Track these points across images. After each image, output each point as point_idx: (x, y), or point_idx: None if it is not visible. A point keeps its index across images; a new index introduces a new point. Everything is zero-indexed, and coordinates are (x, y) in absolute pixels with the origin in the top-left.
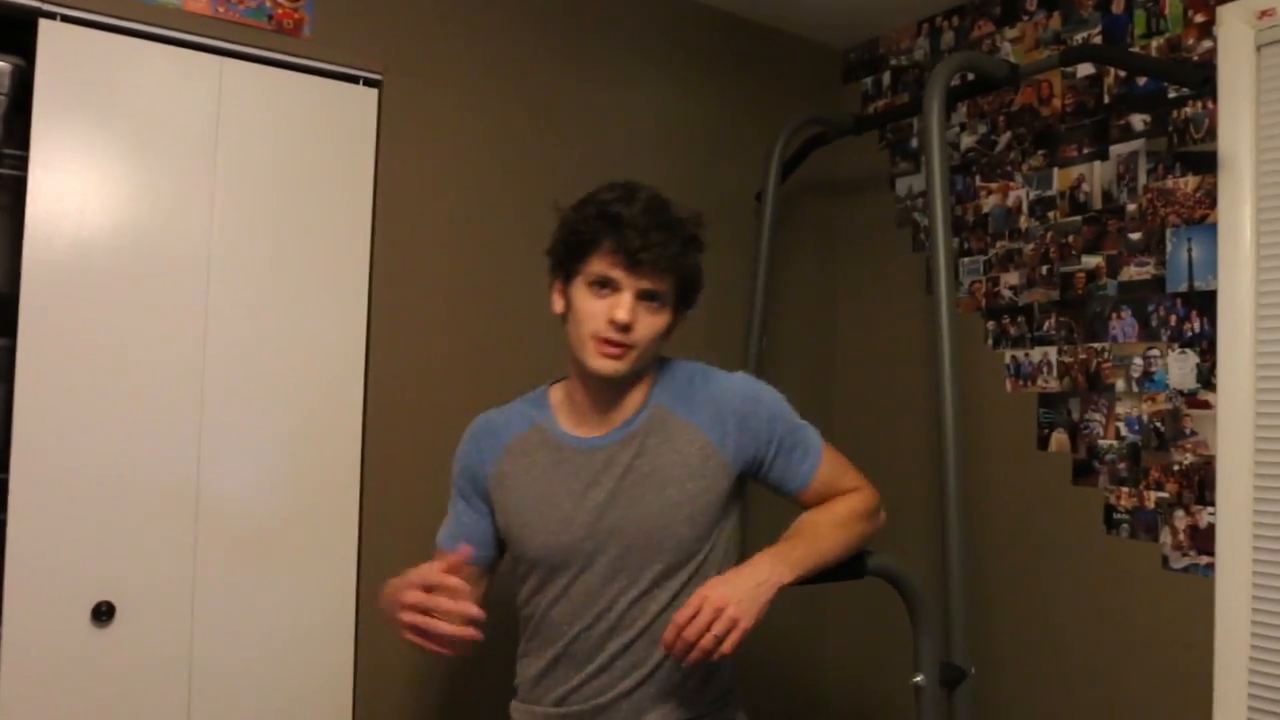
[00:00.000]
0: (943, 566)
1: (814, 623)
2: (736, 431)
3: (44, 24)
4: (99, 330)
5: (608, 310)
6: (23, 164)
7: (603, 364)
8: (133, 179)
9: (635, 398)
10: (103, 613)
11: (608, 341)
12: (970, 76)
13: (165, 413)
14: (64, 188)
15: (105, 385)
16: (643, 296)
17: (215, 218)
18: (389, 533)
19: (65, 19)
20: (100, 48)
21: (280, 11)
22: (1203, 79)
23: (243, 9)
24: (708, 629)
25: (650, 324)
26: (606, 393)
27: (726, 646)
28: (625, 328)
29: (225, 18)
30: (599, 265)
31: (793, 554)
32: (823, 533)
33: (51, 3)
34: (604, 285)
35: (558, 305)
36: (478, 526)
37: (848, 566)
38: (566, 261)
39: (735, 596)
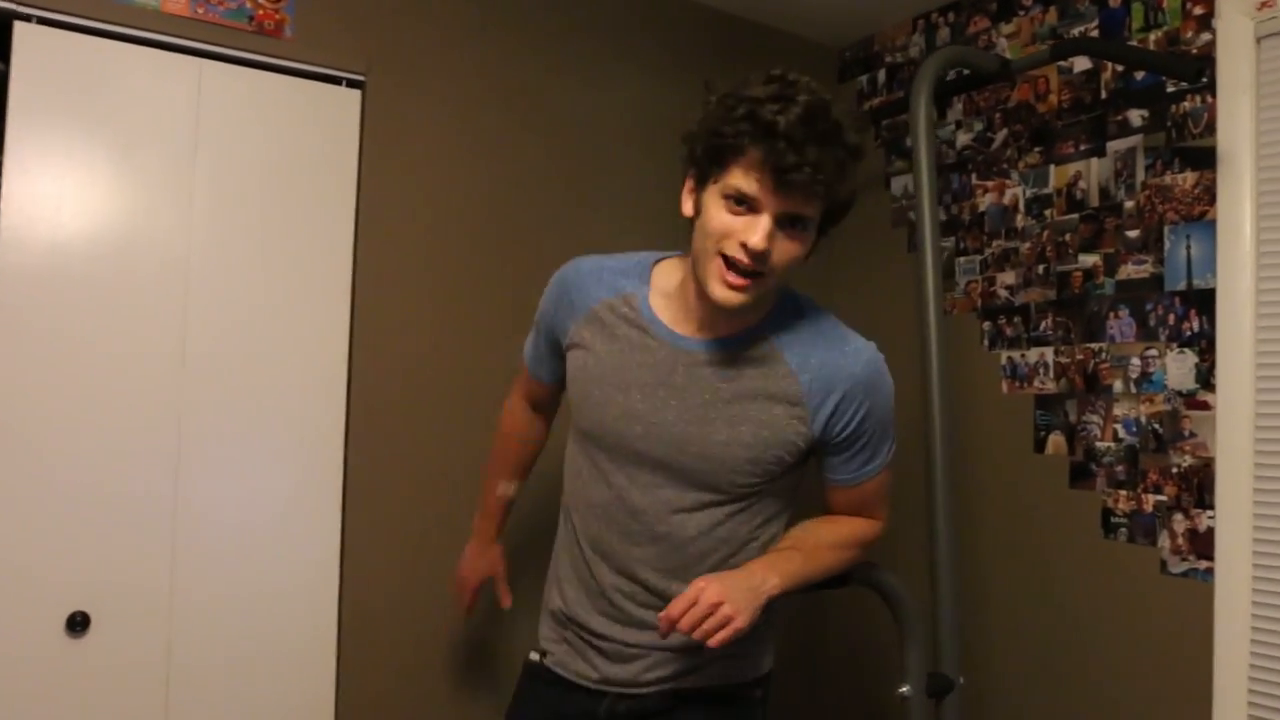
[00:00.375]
0: (931, 573)
1: (813, 630)
2: (833, 407)
3: (19, 26)
4: (74, 335)
5: (742, 231)
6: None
7: (724, 294)
8: (110, 182)
9: (749, 319)
10: (77, 623)
11: (735, 268)
12: (964, 72)
13: (142, 419)
14: (39, 191)
15: (81, 391)
16: (784, 222)
17: (195, 221)
18: (372, 543)
19: (41, 21)
20: (77, 50)
21: (261, 12)
22: (1196, 71)
23: (222, 10)
24: (702, 621)
25: (788, 250)
26: (712, 310)
27: (715, 642)
28: (760, 256)
29: (205, 19)
30: (739, 179)
31: (788, 566)
32: (821, 551)
33: (27, 4)
34: (741, 202)
35: (686, 208)
36: (551, 360)
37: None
38: (703, 163)
39: (733, 595)
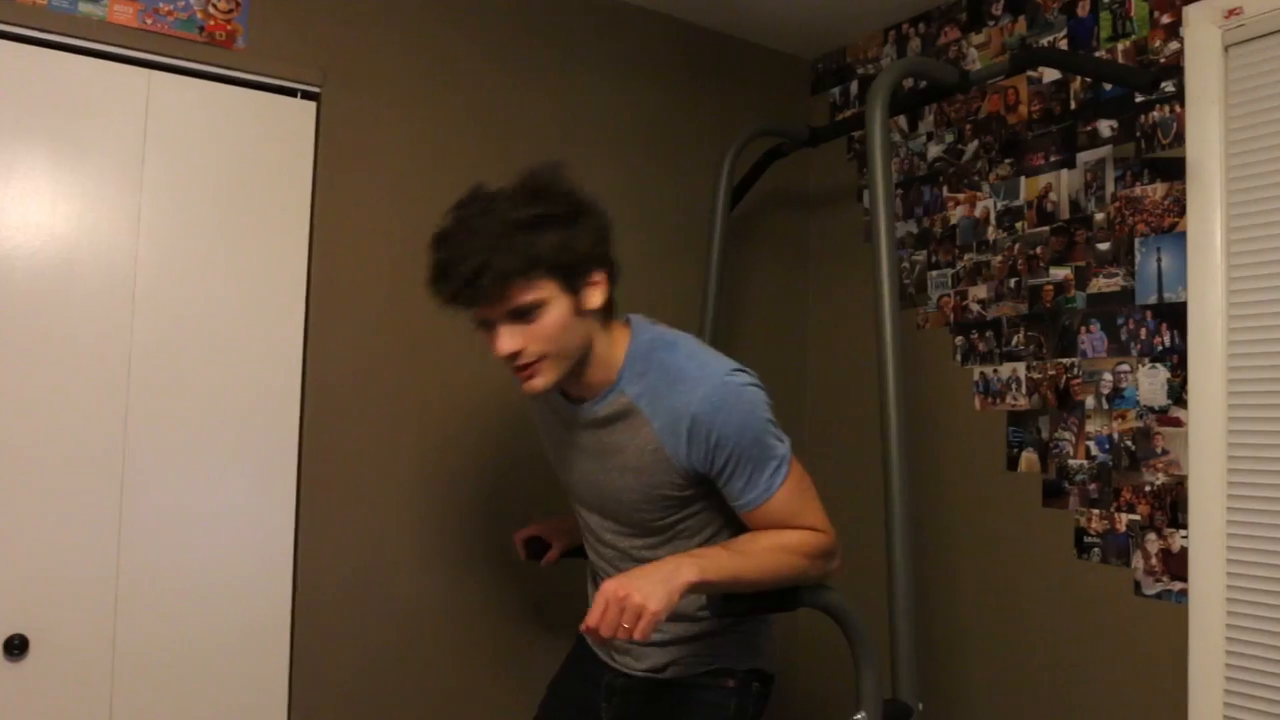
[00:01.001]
0: (888, 594)
1: (784, 656)
2: (686, 444)
3: None
4: (15, 351)
5: (494, 347)
6: None
7: (527, 387)
8: (55, 195)
9: (599, 378)
10: (15, 647)
11: (517, 370)
12: (921, 84)
13: (86, 438)
14: None
15: (21, 409)
16: (515, 319)
17: (142, 234)
18: (323, 568)
19: None
20: (20, 60)
21: (212, 23)
22: (1152, 82)
23: (172, 20)
24: (619, 621)
25: (538, 333)
26: (570, 383)
27: (639, 634)
28: (513, 356)
29: (153, 29)
30: (469, 315)
31: (709, 561)
32: (755, 551)
33: None
34: (482, 326)
35: None
36: None
37: (780, 598)
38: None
39: (637, 586)
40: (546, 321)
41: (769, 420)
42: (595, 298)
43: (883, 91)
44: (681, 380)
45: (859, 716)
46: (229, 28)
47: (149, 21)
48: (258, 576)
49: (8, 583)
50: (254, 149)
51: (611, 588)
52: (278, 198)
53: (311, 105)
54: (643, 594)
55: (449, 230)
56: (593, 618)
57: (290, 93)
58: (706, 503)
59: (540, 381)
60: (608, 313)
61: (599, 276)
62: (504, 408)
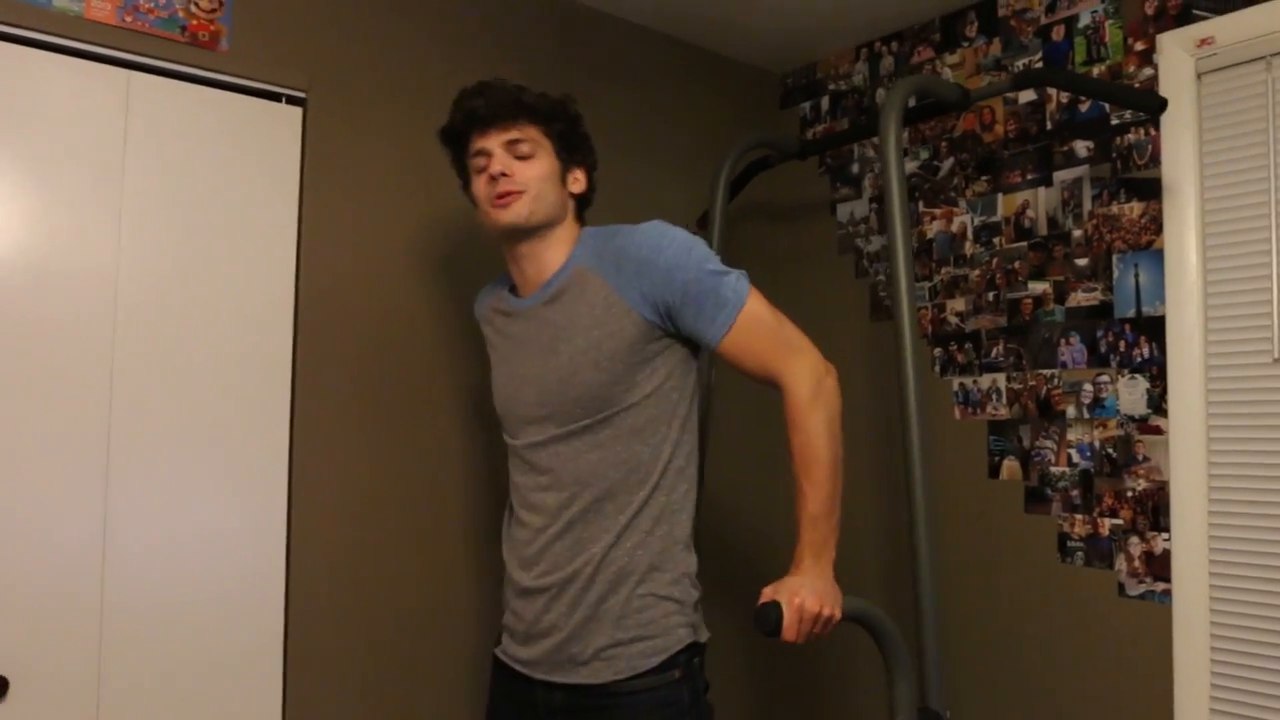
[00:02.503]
0: (915, 606)
1: (810, 671)
2: (636, 279)
3: None
4: None
5: (487, 171)
6: None
7: (499, 215)
8: (30, 200)
9: (554, 259)
10: None
11: (498, 197)
12: (922, 100)
13: (67, 461)
14: None
15: None
16: (510, 149)
17: (123, 241)
18: (316, 587)
19: None
20: None
21: (195, 23)
22: (1161, 104)
23: (153, 19)
24: (811, 631)
25: (527, 169)
26: (525, 258)
27: (825, 634)
28: (502, 175)
29: (133, 28)
30: (471, 146)
31: (820, 539)
32: (807, 499)
33: None
34: (479, 156)
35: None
36: None
37: None
38: (459, 167)
39: (817, 596)
40: (535, 165)
41: (711, 253)
42: (575, 184)
43: (897, 106)
44: (619, 233)
45: None
46: (212, 28)
47: (129, 19)
48: (248, 600)
49: None
50: (239, 154)
51: (807, 607)
52: (264, 204)
53: (297, 111)
54: (829, 604)
55: (482, 82)
56: (790, 634)
57: (275, 97)
58: (655, 387)
59: (510, 213)
60: (578, 209)
61: (581, 174)
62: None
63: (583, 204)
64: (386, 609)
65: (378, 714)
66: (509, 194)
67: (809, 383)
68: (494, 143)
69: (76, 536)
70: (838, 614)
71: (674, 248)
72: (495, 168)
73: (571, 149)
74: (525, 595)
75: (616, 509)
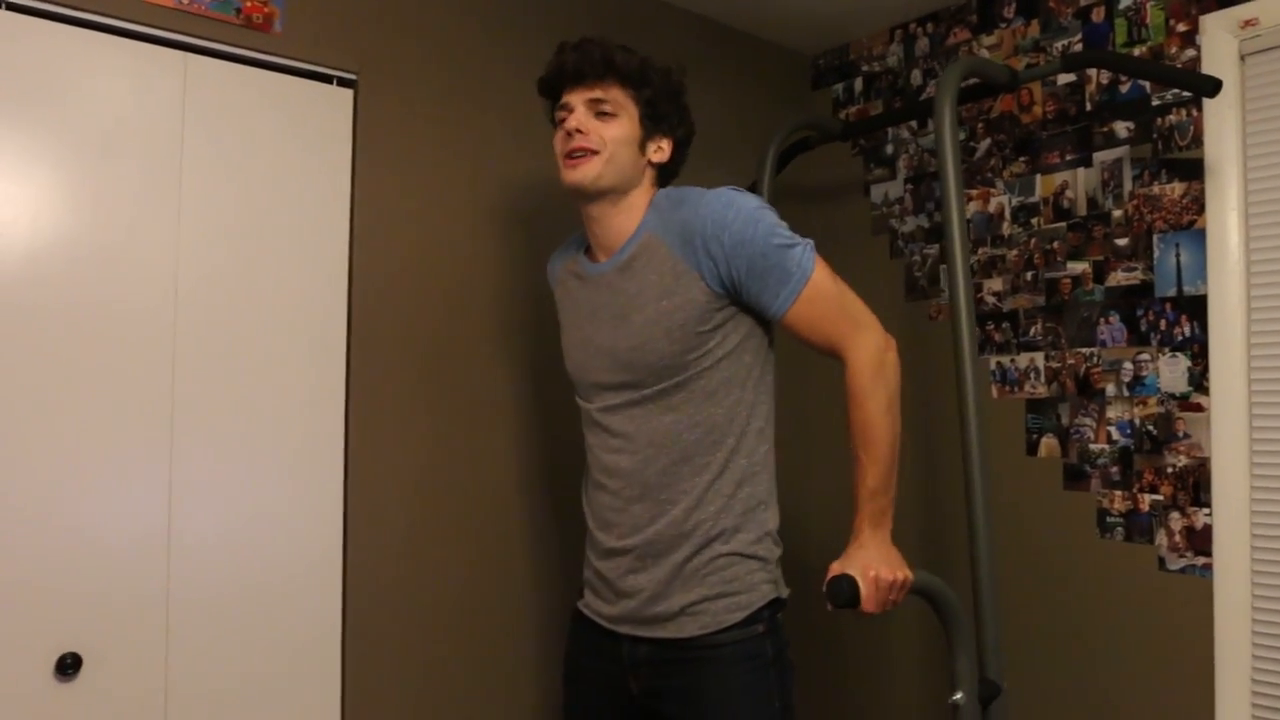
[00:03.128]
0: (972, 581)
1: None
2: (703, 251)
3: None
4: (56, 350)
5: (565, 125)
6: None
7: (568, 174)
8: (92, 183)
9: (626, 225)
10: (68, 666)
11: (569, 154)
12: (969, 81)
13: (132, 441)
14: (14, 193)
15: (64, 411)
16: (592, 107)
17: (183, 225)
18: (375, 567)
19: (12, 7)
20: (52, 40)
21: (249, 5)
22: (1215, 85)
23: (209, 2)
24: (887, 598)
25: (604, 129)
26: (597, 222)
27: (900, 600)
28: (577, 132)
29: (190, 10)
30: (558, 100)
31: (879, 510)
32: (865, 467)
33: None
34: (562, 110)
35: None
36: None
37: None
38: (553, 118)
39: (888, 565)
40: (614, 126)
41: (779, 221)
42: (656, 153)
43: (951, 90)
44: (686, 199)
45: (958, 696)
46: (266, 10)
47: (185, 1)
48: (307, 581)
49: (59, 600)
50: (292, 136)
51: (881, 576)
52: (316, 186)
53: (348, 93)
54: (899, 570)
55: (585, 37)
56: (870, 605)
57: (327, 79)
58: (728, 351)
59: (577, 173)
60: (658, 178)
61: (667, 144)
62: (556, 387)
63: (665, 173)
64: (445, 590)
65: (438, 692)
66: (581, 151)
67: (872, 359)
68: (577, 99)
69: (143, 521)
70: (910, 575)
71: (740, 220)
72: (571, 124)
73: (659, 118)
74: (608, 556)
75: (693, 471)
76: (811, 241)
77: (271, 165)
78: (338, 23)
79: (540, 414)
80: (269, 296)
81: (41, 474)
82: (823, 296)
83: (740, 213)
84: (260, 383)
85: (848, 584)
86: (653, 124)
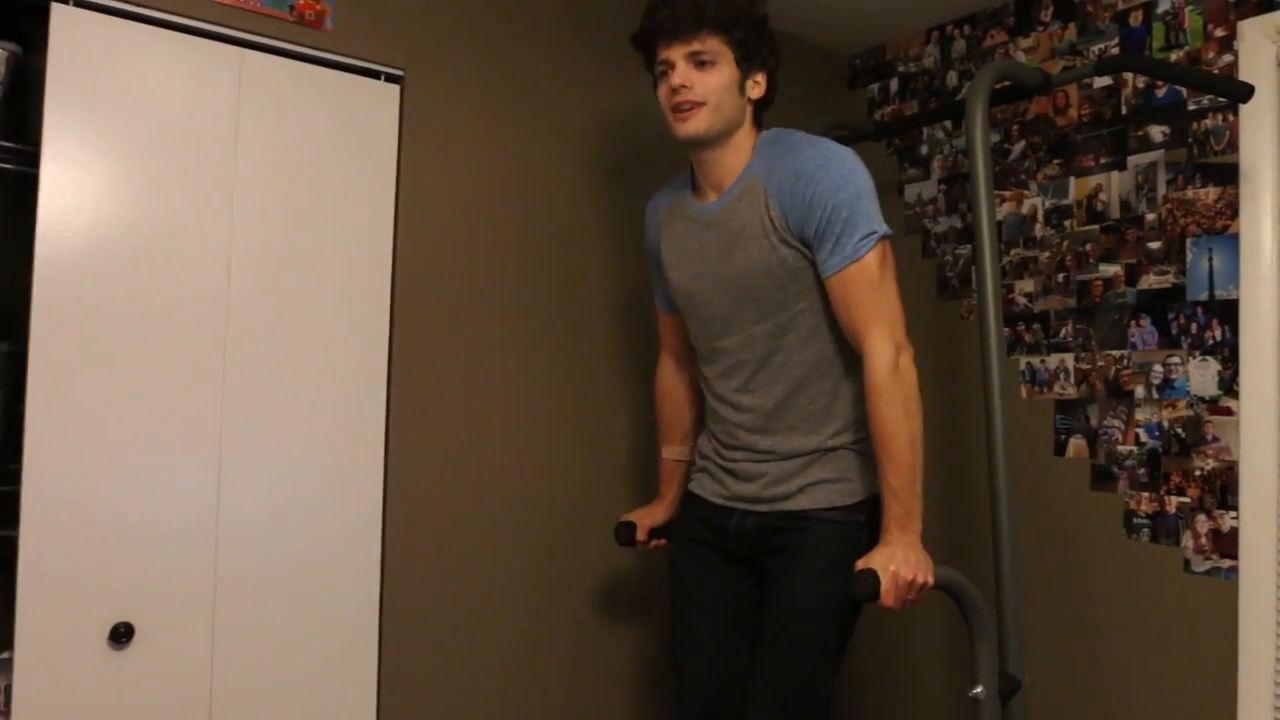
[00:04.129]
0: (995, 576)
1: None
2: (791, 201)
3: (56, 9)
4: (115, 335)
5: (669, 82)
6: (19, 158)
7: (680, 128)
8: (150, 175)
9: (734, 166)
10: (121, 634)
11: (676, 109)
12: (1003, 84)
13: (185, 423)
14: (77, 183)
15: (122, 393)
16: (692, 60)
17: (236, 213)
18: (413, 545)
19: (79, 4)
20: (115, 36)
21: (301, 2)
22: (1249, 92)
23: None
24: (906, 596)
25: (707, 80)
26: (708, 163)
27: (920, 600)
28: (681, 88)
29: (246, 7)
30: (657, 55)
31: (904, 511)
32: (889, 471)
33: None
34: (664, 68)
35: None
36: (665, 285)
37: None
38: (650, 70)
39: (910, 565)
40: (715, 76)
41: (867, 193)
42: (755, 90)
43: (983, 90)
44: (796, 146)
45: (978, 690)
46: (317, 8)
47: None
48: (346, 566)
49: (115, 571)
50: (341, 130)
51: (901, 574)
52: (364, 179)
53: (395, 88)
54: (921, 571)
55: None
56: (889, 600)
57: (375, 75)
58: (816, 287)
59: (693, 124)
60: (757, 114)
61: (762, 77)
62: (598, 381)
63: (762, 106)
64: (481, 575)
65: (472, 677)
66: (689, 104)
67: (886, 359)
68: (677, 54)
69: (194, 498)
70: (931, 579)
71: (830, 179)
72: (676, 80)
73: (752, 54)
74: (730, 450)
75: (809, 399)
76: (886, 230)
77: (321, 157)
78: (386, 21)
79: (584, 399)
80: (316, 285)
81: (101, 454)
82: (861, 283)
83: (833, 171)
84: (306, 369)
85: (871, 578)
86: (748, 62)
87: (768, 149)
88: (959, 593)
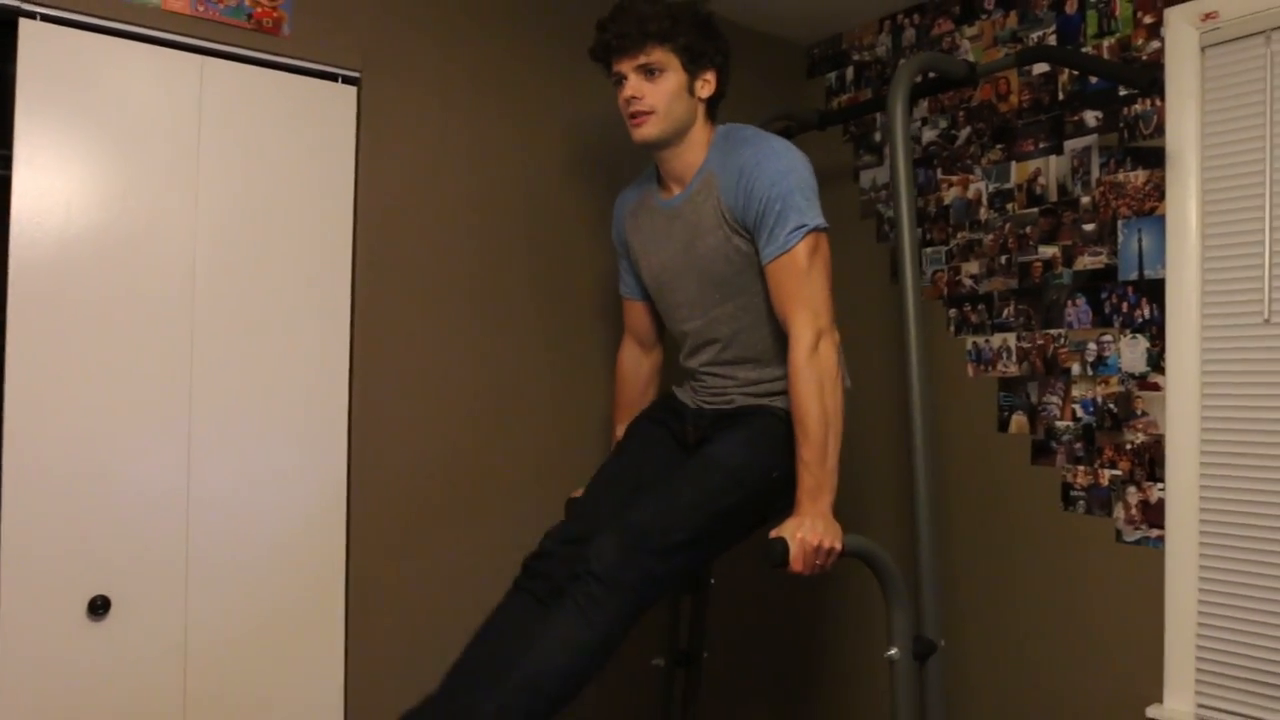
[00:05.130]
0: (912, 542)
1: (815, 603)
2: (734, 196)
3: (24, 23)
4: (87, 327)
5: (623, 94)
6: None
7: (635, 133)
8: (117, 177)
9: (692, 162)
10: (98, 606)
11: (632, 116)
12: (931, 75)
13: (155, 407)
14: (48, 186)
15: (95, 381)
16: (640, 72)
17: (200, 215)
18: (376, 516)
19: (45, 18)
20: (81, 47)
21: (259, 10)
22: (1150, 81)
23: (222, 8)
24: (814, 561)
25: (656, 89)
26: (667, 161)
27: (829, 566)
28: (633, 99)
29: (205, 16)
30: (611, 68)
31: (817, 484)
32: (814, 440)
33: (32, 2)
34: (617, 79)
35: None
36: (632, 274)
37: None
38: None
39: (818, 532)
40: (664, 84)
41: (805, 187)
42: (704, 89)
43: (904, 84)
44: (743, 143)
45: (892, 652)
46: (275, 14)
47: (201, 8)
48: (313, 535)
49: (92, 546)
50: (299, 132)
51: (808, 540)
52: (323, 178)
53: (352, 90)
54: (828, 538)
55: (618, 6)
56: (798, 565)
57: (332, 78)
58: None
59: (645, 130)
60: (710, 110)
61: (711, 75)
62: (552, 377)
63: (714, 102)
64: (442, 541)
65: (437, 637)
66: (641, 115)
67: (806, 343)
68: (627, 67)
69: (165, 478)
70: (838, 545)
71: (771, 172)
72: (628, 91)
73: (698, 57)
74: (700, 379)
75: (773, 372)
76: (817, 223)
77: (281, 157)
78: (342, 24)
79: (548, 378)
80: (278, 277)
81: (77, 437)
82: (790, 271)
83: (769, 168)
84: (270, 355)
85: (780, 545)
86: (695, 65)
87: (722, 144)
88: (870, 558)
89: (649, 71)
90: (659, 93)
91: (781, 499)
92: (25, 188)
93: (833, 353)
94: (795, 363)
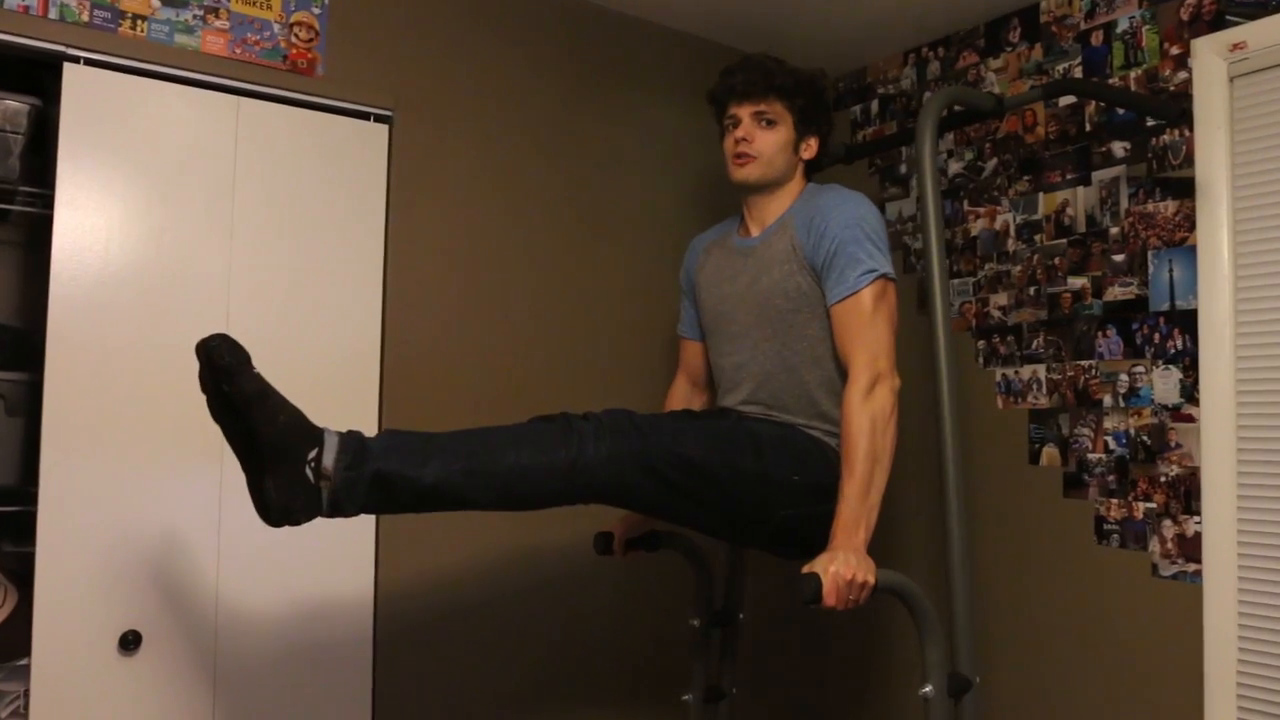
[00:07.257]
0: (946, 578)
1: (816, 635)
2: (807, 234)
3: (69, 67)
4: (123, 364)
5: (734, 134)
6: (39, 202)
7: (735, 172)
8: (155, 216)
9: (778, 209)
10: (130, 641)
11: (736, 157)
12: (957, 108)
13: (189, 444)
14: (88, 225)
15: (129, 419)
16: (756, 119)
17: (234, 253)
18: (404, 559)
19: (88, 62)
20: (122, 89)
21: (294, 52)
22: (1178, 112)
23: (259, 50)
24: (847, 595)
25: (765, 137)
26: (756, 205)
27: (862, 599)
28: (743, 140)
29: (242, 59)
30: (727, 110)
31: (855, 520)
32: (859, 476)
33: (76, 46)
34: (732, 122)
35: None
36: (692, 313)
37: None
38: (719, 123)
39: (853, 567)
40: (775, 135)
41: (877, 236)
42: (807, 151)
43: (932, 117)
44: (823, 192)
45: (927, 689)
46: (309, 56)
47: (238, 51)
48: (340, 574)
49: (123, 582)
50: (333, 170)
51: (841, 574)
52: (355, 216)
53: (384, 128)
54: (861, 572)
55: (747, 57)
56: (830, 600)
57: (364, 116)
58: (825, 316)
59: (745, 171)
60: (807, 171)
61: (814, 141)
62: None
63: (812, 166)
64: (470, 585)
65: (466, 683)
66: (746, 156)
67: (862, 384)
68: (745, 112)
69: (197, 515)
70: (871, 580)
71: (844, 219)
72: (740, 133)
73: (809, 121)
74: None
75: (801, 390)
76: (889, 272)
77: (314, 195)
78: (374, 64)
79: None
80: (310, 314)
81: (111, 476)
82: (856, 314)
83: (849, 215)
84: (303, 392)
85: (814, 581)
86: (804, 127)
87: (805, 196)
88: (903, 594)
89: (764, 120)
90: (768, 141)
91: (787, 507)
92: (66, 227)
93: (889, 396)
94: (850, 401)
